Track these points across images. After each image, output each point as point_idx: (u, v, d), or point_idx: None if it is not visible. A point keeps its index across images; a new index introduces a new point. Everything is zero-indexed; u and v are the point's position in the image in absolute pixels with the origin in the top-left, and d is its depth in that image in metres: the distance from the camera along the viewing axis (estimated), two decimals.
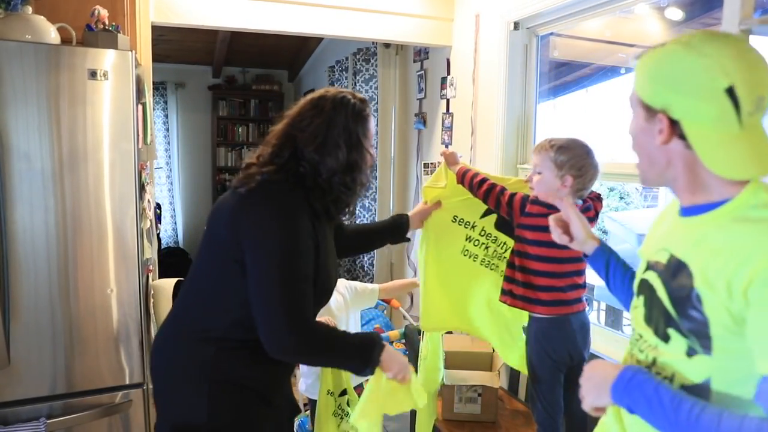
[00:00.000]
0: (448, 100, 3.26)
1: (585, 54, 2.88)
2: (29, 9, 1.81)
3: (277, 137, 1.37)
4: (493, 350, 2.53)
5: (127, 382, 1.89)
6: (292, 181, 1.32)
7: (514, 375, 2.57)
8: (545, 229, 1.71)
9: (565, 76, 2.92)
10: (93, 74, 1.74)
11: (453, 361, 2.40)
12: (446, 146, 3.30)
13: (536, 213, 1.78)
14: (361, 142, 1.35)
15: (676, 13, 2.27)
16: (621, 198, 3.97)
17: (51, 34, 1.81)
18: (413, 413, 2.50)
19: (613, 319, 3.06)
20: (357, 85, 4.10)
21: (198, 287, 1.38)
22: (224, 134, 6.07)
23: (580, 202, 1.80)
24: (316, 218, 1.35)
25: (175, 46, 5.11)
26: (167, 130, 5.88)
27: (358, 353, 1.37)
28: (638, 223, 3.45)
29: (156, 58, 2.60)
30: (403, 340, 2.68)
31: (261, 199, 1.30)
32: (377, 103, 3.94)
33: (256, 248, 1.28)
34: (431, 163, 3.37)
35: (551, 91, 2.84)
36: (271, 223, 1.28)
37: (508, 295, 1.82)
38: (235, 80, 6.15)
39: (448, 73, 3.24)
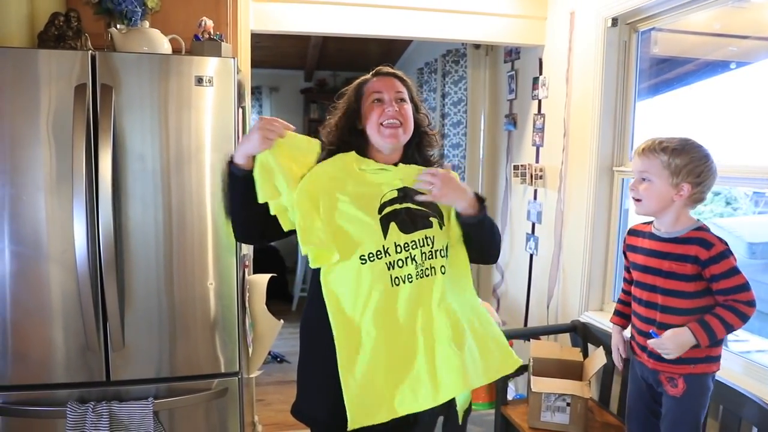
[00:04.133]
0: (539, 101, 3.18)
1: (689, 49, 2.70)
2: (146, 23, 1.98)
3: None
4: (583, 359, 2.44)
5: (222, 370, 1.99)
6: None
7: (605, 386, 2.46)
8: (650, 253, 1.67)
9: (666, 72, 2.75)
10: (199, 80, 1.85)
11: (541, 368, 2.34)
12: (537, 149, 3.22)
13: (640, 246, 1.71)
14: None
15: None
16: (727, 203, 3.67)
17: (164, 45, 1.97)
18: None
19: None
20: (446, 86, 4.09)
21: None
22: (315, 136, 6.24)
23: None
24: None
25: (270, 51, 5.33)
26: None
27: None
28: (748, 232, 3.18)
29: (253, 63, 2.73)
30: None
31: None
32: (466, 104, 3.91)
33: None
34: (521, 165, 3.29)
35: (650, 89, 2.69)
36: None
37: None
38: (326, 84, 6.33)
39: (540, 73, 3.16)
